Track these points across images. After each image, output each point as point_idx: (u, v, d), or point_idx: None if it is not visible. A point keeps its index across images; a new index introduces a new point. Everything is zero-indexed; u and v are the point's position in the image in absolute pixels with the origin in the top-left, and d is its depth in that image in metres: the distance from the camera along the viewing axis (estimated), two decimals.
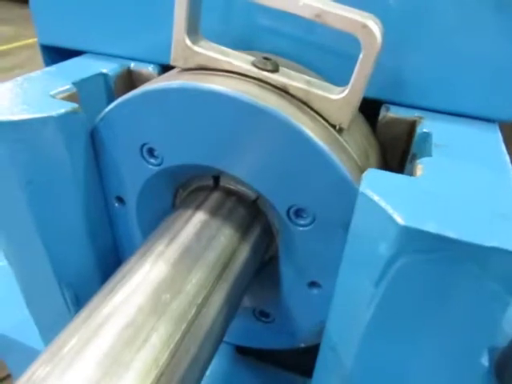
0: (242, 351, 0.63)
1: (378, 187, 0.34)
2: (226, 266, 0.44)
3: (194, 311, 0.38)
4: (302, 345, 0.55)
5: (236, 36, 0.52)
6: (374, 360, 0.39)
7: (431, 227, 0.30)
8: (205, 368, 0.41)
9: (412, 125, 0.50)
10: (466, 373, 0.36)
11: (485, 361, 0.35)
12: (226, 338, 0.61)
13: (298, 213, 0.44)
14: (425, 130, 0.46)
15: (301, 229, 0.45)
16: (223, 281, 0.43)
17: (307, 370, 0.54)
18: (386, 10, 0.46)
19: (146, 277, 0.39)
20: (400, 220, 0.31)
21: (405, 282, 0.33)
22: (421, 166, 0.38)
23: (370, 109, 0.52)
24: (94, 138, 0.50)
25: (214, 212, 0.48)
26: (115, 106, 0.46)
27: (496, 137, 0.45)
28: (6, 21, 5.73)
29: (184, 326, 0.37)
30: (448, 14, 0.45)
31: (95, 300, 0.38)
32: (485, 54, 0.46)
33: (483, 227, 0.31)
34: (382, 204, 0.32)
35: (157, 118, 0.45)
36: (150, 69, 0.60)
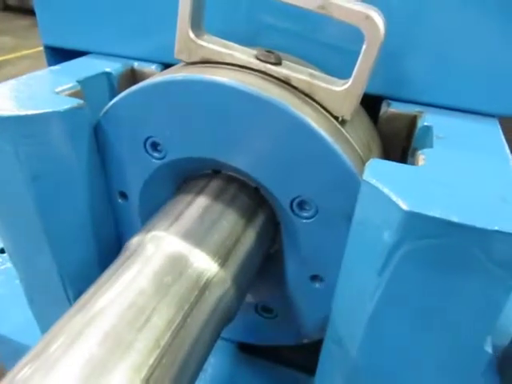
0: (244, 348, 0.63)
1: (381, 175, 0.34)
2: (230, 250, 0.44)
3: (196, 293, 0.38)
4: (305, 340, 0.55)
5: (239, 33, 0.53)
6: (379, 351, 0.39)
7: (435, 212, 0.30)
8: (207, 351, 0.40)
9: (412, 120, 0.50)
10: (470, 359, 0.36)
11: (488, 348, 0.35)
12: (228, 335, 0.61)
13: (302, 205, 0.45)
14: (426, 124, 0.46)
15: (304, 221, 0.45)
16: (228, 265, 0.43)
17: (310, 367, 0.54)
18: (388, 8, 0.47)
19: (147, 260, 0.39)
20: (404, 206, 0.31)
21: (408, 269, 0.33)
22: (423, 157, 0.39)
23: (371, 105, 0.52)
24: (97, 134, 0.50)
25: (216, 197, 0.48)
26: (119, 100, 0.47)
27: (496, 130, 0.46)
28: (6, 32, 5.78)
29: (186, 307, 0.37)
30: (449, 12, 0.46)
31: (99, 282, 0.38)
32: (485, 50, 0.47)
33: (486, 212, 0.31)
34: (386, 191, 0.33)
35: (161, 110, 0.45)
36: (153, 68, 0.61)
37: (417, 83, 0.50)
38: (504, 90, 0.48)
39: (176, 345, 0.34)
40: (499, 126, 0.47)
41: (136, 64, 0.62)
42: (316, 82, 0.43)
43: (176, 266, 0.39)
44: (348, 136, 0.44)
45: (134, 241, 0.43)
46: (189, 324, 0.36)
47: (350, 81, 0.41)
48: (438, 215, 0.30)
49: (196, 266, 0.40)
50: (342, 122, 0.44)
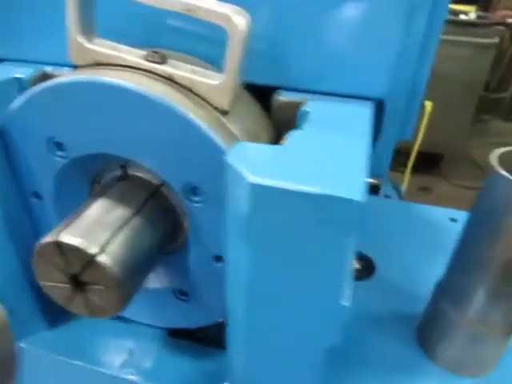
0: (174, 334, 0.67)
1: (240, 155, 0.39)
2: None
3: None
4: (220, 319, 0.59)
5: (137, 35, 0.56)
6: (258, 311, 0.43)
7: (275, 182, 0.35)
8: None
9: (300, 107, 0.55)
10: (331, 313, 0.40)
11: (346, 301, 0.40)
12: (153, 322, 0.65)
13: (193, 190, 0.48)
14: (305, 109, 0.51)
15: (196, 205, 0.49)
16: None
17: None
18: (264, 5, 0.51)
19: None
20: (250, 178, 0.35)
21: (264, 235, 0.38)
22: (286, 137, 0.43)
23: (267, 94, 0.57)
24: (3, 138, 0.53)
25: (116, 198, 0.51)
26: (17, 104, 0.50)
27: (365, 111, 0.51)
28: None
29: None
30: (320, 7, 0.51)
31: None
32: (356, 40, 0.51)
33: (323, 180, 0.36)
34: (240, 168, 0.37)
35: (57, 112, 0.48)
36: (65, 71, 0.63)
37: (301, 73, 0.55)
38: (374, 76, 0.53)
39: None
40: (370, 108, 0.52)
41: (48, 68, 0.64)
42: (196, 77, 0.47)
43: None
44: (229, 125, 0.48)
45: None
46: None
47: (224, 75, 0.46)
48: (276, 185, 0.35)
49: None
50: (224, 113, 0.48)
